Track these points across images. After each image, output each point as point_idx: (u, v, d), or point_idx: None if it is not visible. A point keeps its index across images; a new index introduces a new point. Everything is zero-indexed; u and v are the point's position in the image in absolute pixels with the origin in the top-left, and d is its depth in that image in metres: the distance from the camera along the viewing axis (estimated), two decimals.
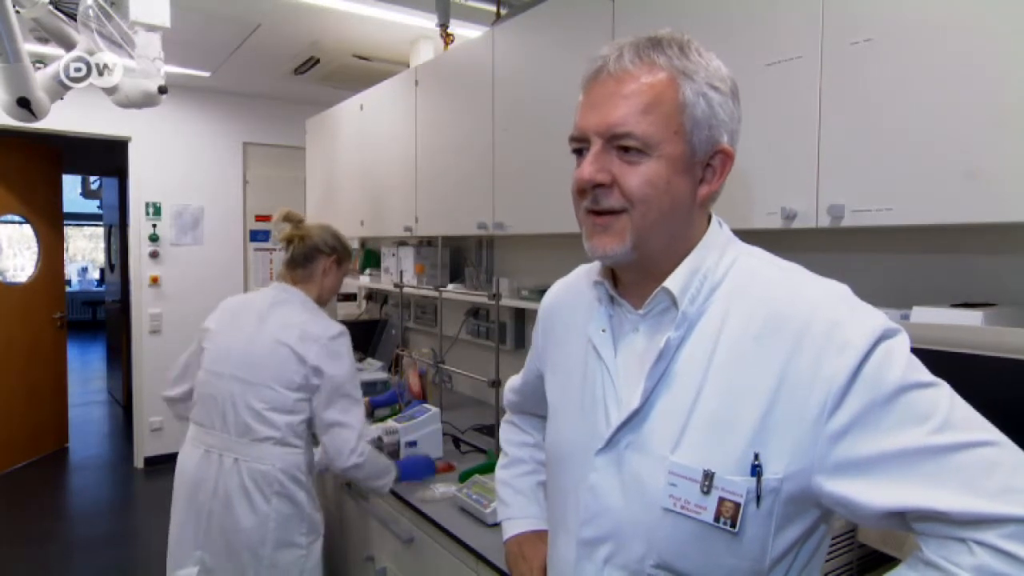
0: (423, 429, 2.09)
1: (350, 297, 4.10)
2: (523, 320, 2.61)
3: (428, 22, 2.99)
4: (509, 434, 1.25)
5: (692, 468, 0.75)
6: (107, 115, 3.50)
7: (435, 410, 2.14)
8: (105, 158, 5.87)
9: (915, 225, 1.17)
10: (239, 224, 4.90)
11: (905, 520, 0.69)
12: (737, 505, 0.73)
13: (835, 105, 1.23)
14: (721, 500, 0.74)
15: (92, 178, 9.03)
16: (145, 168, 4.57)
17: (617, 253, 0.79)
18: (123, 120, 3.88)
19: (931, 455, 0.67)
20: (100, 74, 2.09)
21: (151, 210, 4.59)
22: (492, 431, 2.19)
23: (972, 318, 1.10)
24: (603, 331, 0.87)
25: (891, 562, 1.14)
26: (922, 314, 1.15)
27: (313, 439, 1.91)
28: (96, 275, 12.35)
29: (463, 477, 1.88)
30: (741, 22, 1.39)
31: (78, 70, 2.09)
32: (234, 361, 1.82)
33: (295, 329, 1.81)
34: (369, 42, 3.40)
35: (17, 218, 4.92)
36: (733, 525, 0.73)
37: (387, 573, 1.96)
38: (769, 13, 1.34)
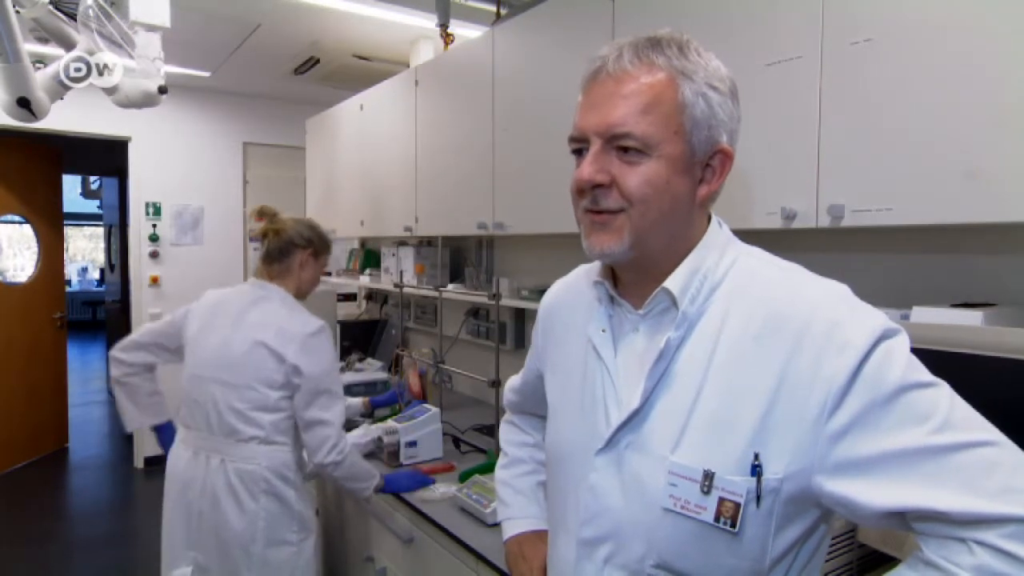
0: (423, 429, 2.09)
1: (350, 297, 4.10)
2: (523, 320, 2.61)
3: (428, 22, 2.99)
4: (509, 434, 1.25)
5: (692, 468, 0.75)
6: (107, 115, 3.50)
7: (435, 410, 2.14)
8: (105, 158, 5.87)
9: (915, 225, 1.17)
10: (239, 224, 4.90)
11: (905, 520, 0.69)
12: (737, 505, 0.73)
13: (835, 105, 1.23)
14: (721, 500, 0.74)
15: (92, 178, 9.03)
16: (145, 168, 4.57)
17: (615, 251, 0.79)
18: (123, 120, 3.87)
19: (931, 455, 0.67)
20: (100, 74, 2.09)
21: (151, 210, 4.59)
22: (492, 431, 2.19)
23: (972, 318, 1.10)
24: (603, 331, 0.87)
25: (891, 562, 1.14)
26: (922, 314, 1.15)
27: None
28: (96, 275, 12.35)
29: (463, 477, 1.88)
30: (741, 22, 1.39)
31: (78, 70, 2.09)
32: (214, 363, 1.81)
33: (273, 327, 1.80)
34: (369, 42, 3.40)
35: (17, 218, 4.92)
36: (733, 525, 0.73)
37: (387, 573, 1.96)
38: (769, 13, 1.34)
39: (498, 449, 1.26)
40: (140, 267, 4.60)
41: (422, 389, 2.54)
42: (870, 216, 1.19)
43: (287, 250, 1.92)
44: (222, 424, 1.78)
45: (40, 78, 2.06)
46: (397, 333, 3.31)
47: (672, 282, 0.80)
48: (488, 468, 1.82)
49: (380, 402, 2.56)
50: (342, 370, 2.90)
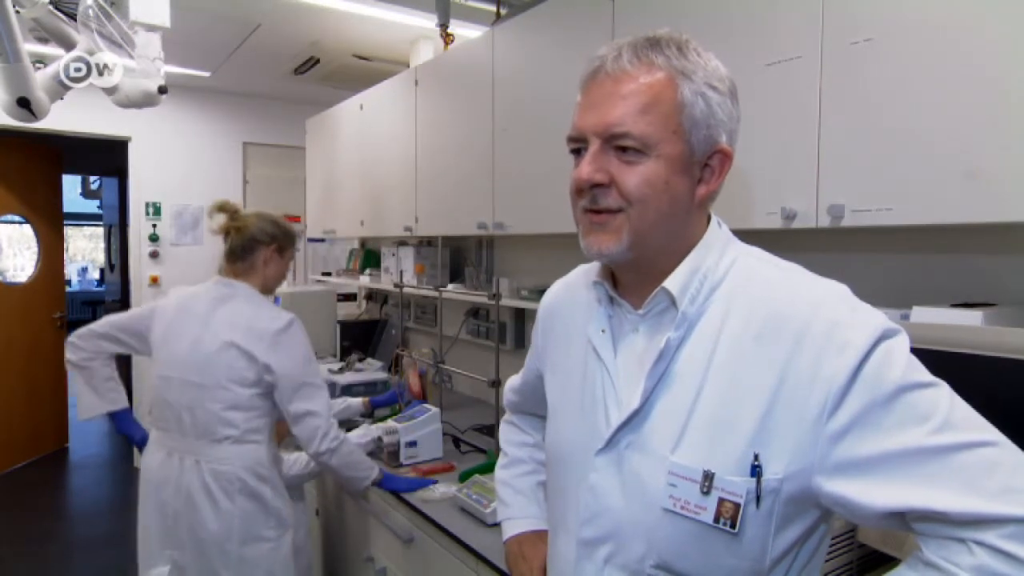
0: (423, 429, 2.09)
1: (350, 297, 4.10)
2: (523, 320, 2.61)
3: (428, 22, 2.99)
4: (509, 434, 1.25)
5: (692, 468, 0.75)
6: (107, 115, 3.50)
7: (435, 410, 2.14)
8: (105, 158, 5.87)
9: (915, 225, 1.17)
10: None
11: (905, 520, 0.69)
12: (737, 506, 0.73)
13: (835, 105, 1.23)
14: (721, 501, 0.74)
15: (92, 178, 9.03)
16: (145, 168, 4.57)
17: (613, 252, 0.79)
18: (123, 120, 3.87)
19: (931, 455, 0.67)
20: (100, 74, 2.09)
21: (151, 210, 4.59)
22: (492, 431, 2.19)
23: (972, 318, 1.10)
24: (603, 331, 0.87)
25: (891, 562, 1.14)
26: (922, 314, 1.15)
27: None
28: (96, 275, 12.34)
29: (463, 477, 1.88)
30: (741, 22, 1.39)
31: (78, 70, 2.09)
32: (183, 366, 1.79)
33: (241, 325, 1.77)
34: (369, 42, 3.40)
35: (17, 218, 4.92)
36: (733, 526, 0.73)
37: (387, 573, 1.96)
38: (769, 13, 1.34)
39: (498, 449, 1.26)
40: (140, 267, 4.60)
41: (422, 389, 2.54)
42: (870, 216, 1.19)
43: (251, 247, 1.88)
44: (195, 425, 1.76)
45: (40, 78, 2.06)
46: (397, 333, 3.31)
47: (671, 282, 0.80)
48: (488, 468, 1.82)
49: (380, 402, 2.56)
50: (342, 370, 2.90)
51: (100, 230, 9.66)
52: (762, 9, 1.35)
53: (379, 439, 2.11)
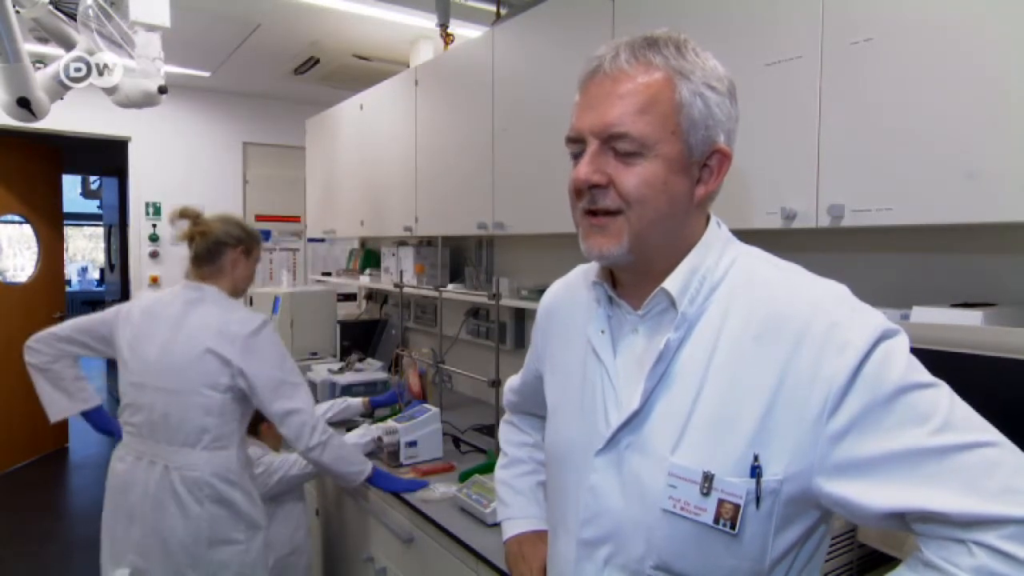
0: (423, 429, 2.09)
1: (350, 297, 4.10)
2: (523, 320, 2.61)
3: (428, 22, 2.99)
4: (508, 434, 1.25)
5: (692, 470, 0.75)
6: (107, 115, 3.50)
7: (435, 410, 2.14)
8: (105, 158, 5.87)
9: (915, 225, 1.17)
10: None
11: (905, 521, 0.69)
12: (737, 507, 0.73)
13: (835, 105, 1.23)
14: (721, 502, 0.74)
15: (92, 178, 9.03)
16: (145, 168, 4.57)
17: (613, 254, 0.79)
18: (123, 120, 3.87)
19: (931, 456, 0.67)
20: (100, 74, 2.09)
21: (151, 210, 4.59)
22: (492, 431, 2.19)
23: (972, 318, 1.10)
24: (602, 332, 0.87)
25: (891, 562, 1.14)
26: (922, 314, 1.15)
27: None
28: (96, 275, 12.34)
29: (463, 477, 1.88)
30: (741, 22, 1.39)
31: (78, 70, 2.09)
32: (154, 371, 1.77)
33: (213, 329, 1.76)
34: (369, 42, 3.40)
35: (17, 218, 4.92)
36: (733, 527, 0.73)
37: (387, 573, 1.96)
38: (769, 13, 1.34)
39: (498, 449, 1.26)
40: (140, 267, 4.60)
41: (422, 389, 2.54)
42: (870, 216, 1.19)
43: (217, 251, 1.86)
44: (166, 430, 1.74)
45: (40, 78, 2.06)
46: (397, 333, 3.31)
47: (671, 283, 0.80)
48: (488, 468, 1.82)
49: (380, 402, 2.56)
50: (342, 370, 2.90)
51: (100, 230, 9.66)
52: (762, 9, 1.35)
53: (379, 439, 2.10)
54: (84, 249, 13.30)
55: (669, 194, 0.78)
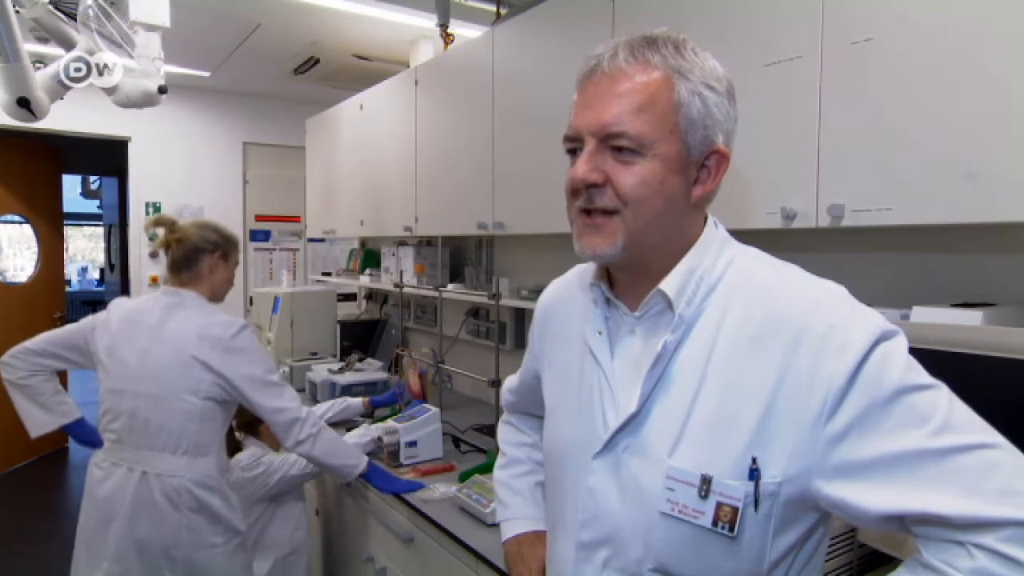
0: (423, 429, 2.09)
1: (350, 297, 4.10)
2: (523, 320, 2.61)
3: (428, 22, 2.99)
4: (507, 434, 1.25)
5: (690, 472, 0.75)
6: (107, 115, 3.50)
7: (435, 410, 2.14)
8: (105, 158, 5.88)
9: (915, 225, 1.17)
10: (239, 224, 4.89)
11: (904, 523, 0.69)
12: (735, 509, 0.73)
13: (835, 105, 1.23)
14: (719, 504, 0.73)
15: (92, 178, 9.04)
16: (145, 168, 4.57)
17: (606, 253, 0.79)
18: (123, 120, 3.87)
19: (930, 458, 0.66)
20: (100, 74, 2.09)
21: (151, 210, 4.59)
22: (492, 431, 2.19)
23: (972, 318, 1.09)
24: (599, 333, 0.86)
25: (891, 562, 1.14)
26: (922, 314, 1.15)
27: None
28: (96, 275, 12.35)
29: (463, 477, 1.88)
30: (740, 22, 1.39)
31: (78, 70, 2.09)
32: (134, 376, 1.76)
33: (193, 334, 1.76)
34: (369, 42, 3.40)
35: (17, 218, 4.92)
36: (731, 529, 0.73)
37: (387, 573, 1.96)
38: (769, 13, 1.34)
39: (498, 449, 1.26)
40: (140, 267, 4.60)
41: (422, 389, 2.54)
42: (870, 216, 1.19)
43: (194, 257, 1.87)
44: (146, 435, 1.74)
45: (40, 78, 2.05)
46: (397, 333, 3.31)
47: (667, 284, 0.79)
48: (488, 468, 1.82)
49: (380, 402, 2.56)
50: (342, 370, 2.90)
51: (100, 230, 9.67)
52: (762, 9, 1.35)
53: (379, 439, 2.10)
54: (84, 249, 13.30)
55: (666, 194, 0.77)
